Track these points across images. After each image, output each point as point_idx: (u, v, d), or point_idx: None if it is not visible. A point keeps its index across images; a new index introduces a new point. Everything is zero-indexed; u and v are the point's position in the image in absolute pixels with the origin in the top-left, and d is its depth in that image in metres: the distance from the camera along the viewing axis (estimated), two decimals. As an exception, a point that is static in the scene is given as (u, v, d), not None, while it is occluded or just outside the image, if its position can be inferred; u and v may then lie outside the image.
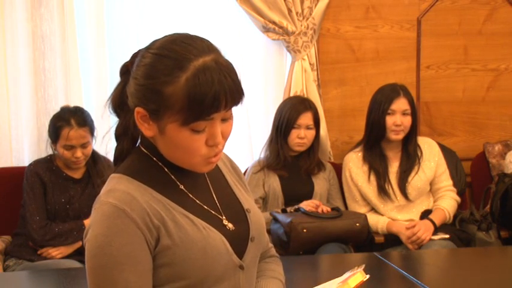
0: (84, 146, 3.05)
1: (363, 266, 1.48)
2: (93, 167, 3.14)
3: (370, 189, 3.28)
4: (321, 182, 3.40)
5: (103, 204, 1.27)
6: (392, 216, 3.27)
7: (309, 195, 3.33)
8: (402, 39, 3.89)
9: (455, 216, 3.29)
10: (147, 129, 1.31)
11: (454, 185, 3.40)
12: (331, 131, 3.81)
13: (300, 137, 3.32)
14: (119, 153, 1.39)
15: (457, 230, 3.20)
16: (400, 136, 3.24)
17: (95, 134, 3.10)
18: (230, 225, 1.38)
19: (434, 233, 3.13)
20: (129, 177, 1.32)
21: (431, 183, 3.33)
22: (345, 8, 3.82)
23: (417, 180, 3.27)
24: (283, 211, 3.18)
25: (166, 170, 1.35)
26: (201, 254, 1.29)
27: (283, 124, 3.33)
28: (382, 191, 3.25)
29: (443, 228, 3.19)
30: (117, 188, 1.29)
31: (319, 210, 3.13)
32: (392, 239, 3.19)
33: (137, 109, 1.29)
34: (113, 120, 1.43)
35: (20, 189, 3.12)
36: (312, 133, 3.35)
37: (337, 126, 3.88)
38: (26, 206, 3.04)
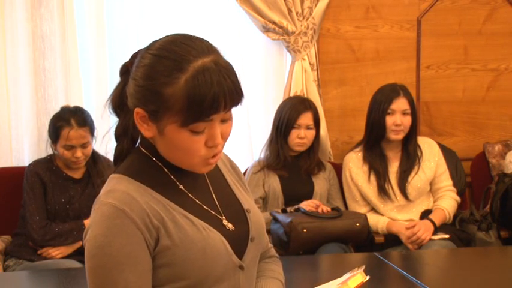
0: (84, 146, 3.05)
1: (363, 267, 1.48)
2: (93, 167, 3.14)
3: (370, 189, 3.28)
4: (321, 182, 3.40)
5: (103, 204, 1.27)
6: (392, 216, 3.27)
7: (309, 195, 3.33)
8: (402, 39, 3.89)
9: (455, 216, 3.29)
10: (147, 130, 1.31)
11: (454, 185, 3.40)
12: (331, 131, 3.81)
13: (300, 137, 3.32)
14: (119, 153, 1.40)
15: (457, 230, 3.20)
16: (400, 136, 3.24)
17: (95, 134, 3.10)
18: (230, 226, 1.38)
19: (434, 233, 3.13)
20: (129, 177, 1.32)
21: (431, 183, 3.33)
22: (345, 8, 3.82)
23: (417, 180, 3.27)
24: (283, 211, 3.18)
25: (166, 170, 1.35)
26: (200, 254, 1.29)
27: (283, 124, 3.33)
28: (382, 191, 3.25)
29: (443, 228, 3.19)
30: (116, 189, 1.29)
31: (319, 210, 3.13)
32: (392, 239, 3.19)
33: (136, 110, 1.29)
34: (112, 120, 1.43)
35: (20, 189, 3.12)
36: (312, 133, 3.35)
37: (337, 126, 3.88)
38: (26, 206, 3.04)
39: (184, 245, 1.28)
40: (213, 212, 1.38)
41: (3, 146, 3.50)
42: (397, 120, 3.21)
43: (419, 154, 3.31)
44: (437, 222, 3.17)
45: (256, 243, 1.43)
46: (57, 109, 3.18)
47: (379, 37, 3.87)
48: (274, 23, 3.63)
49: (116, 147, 1.41)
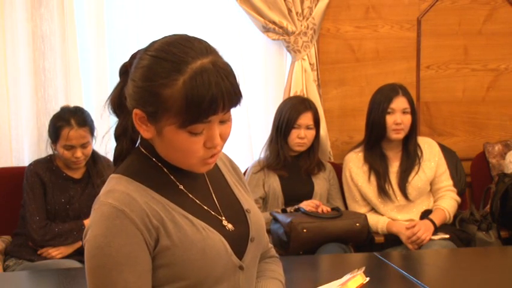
0: (84, 146, 3.05)
1: (363, 268, 1.48)
2: (93, 167, 3.14)
3: (370, 189, 3.28)
4: (321, 182, 3.40)
5: (102, 204, 1.27)
6: (392, 216, 3.27)
7: (309, 195, 3.33)
8: (402, 39, 3.89)
9: (455, 216, 3.29)
10: (145, 131, 1.31)
11: (454, 185, 3.40)
12: (331, 131, 3.81)
13: (300, 137, 3.32)
14: (119, 154, 1.40)
15: (457, 230, 3.20)
16: (401, 135, 3.24)
17: (95, 134, 3.10)
18: (230, 226, 1.38)
19: (434, 233, 3.13)
20: (129, 177, 1.32)
21: (431, 183, 3.33)
22: (345, 8, 3.82)
23: (417, 180, 3.27)
24: (283, 211, 3.18)
25: (165, 170, 1.35)
26: (200, 254, 1.29)
27: (283, 124, 3.33)
28: (382, 191, 3.25)
29: (443, 228, 3.19)
30: (116, 189, 1.29)
31: (319, 210, 3.13)
32: (392, 239, 3.19)
33: (135, 111, 1.29)
34: (112, 120, 1.43)
35: (20, 189, 3.12)
36: (312, 133, 3.35)
37: (337, 126, 3.88)
38: (26, 206, 3.04)
39: (183, 245, 1.28)
40: (212, 213, 1.38)
41: (3, 146, 3.50)
42: (398, 119, 3.21)
43: (420, 154, 3.31)
44: (438, 222, 3.17)
45: (256, 243, 1.43)
46: (57, 109, 3.18)
47: (379, 37, 3.87)
48: (274, 23, 3.63)
49: (116, 148, 1.41)
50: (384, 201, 3.26)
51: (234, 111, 1.31)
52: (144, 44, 1.33)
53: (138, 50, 1.33)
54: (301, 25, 3.66)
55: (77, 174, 3.14)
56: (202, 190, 1.40)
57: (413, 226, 3.12)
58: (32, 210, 3.02)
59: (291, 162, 3.37)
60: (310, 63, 3.71)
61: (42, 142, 3.38)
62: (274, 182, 3.33)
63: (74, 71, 3.51)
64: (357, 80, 3.88)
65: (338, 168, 3.50)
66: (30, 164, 3.15)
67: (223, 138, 1.31)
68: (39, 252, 3.03)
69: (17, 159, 3.52)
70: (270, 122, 3.50)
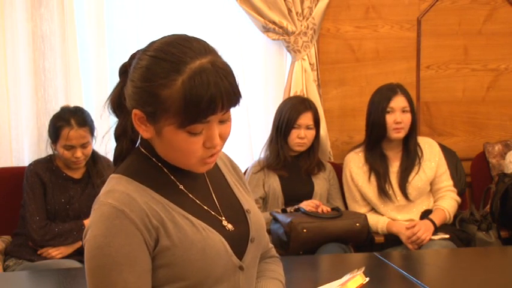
0: (84, 146, 3.05)
1: (363, 268, 1.47)
2: (93, 167, 3.14)
3: (370, 189, 3.28)
4: (321, 182, 3.40)
5: (102, 204, 1.27)
6: (392, 216, 3.27)
7: (309, 195, 3.33)
8: (402, 39, 3.89)
9: (455, 216, 3.29)
10: (145, 131, 1.31)
11: (455, 185, 3.40)
12: (331, 131, 3.81)
13: (300, 137, 3.32)
14: (119, 154, 1.40)
15: (457, 230, 3.20)
16: (402, 134, 3.24)
17: (95, 134, 3.10)
18: (230, 226, 1.38)
19: (434, 233, 3.13)
20: (129, 177, 1.32)
21: (431, 184, 3.33)
22: (345, 8, 3.82)
23: (417, 180, 3.27)
24: (283, 211, 3.18)
25: (165, 170, 1.35)
26: (200, 255, 1.29)
27: (283, 124, 3.33)
28: (383, 192, 3.24)
29: (443, 228, 3.19)
30: (116, 189, 1.29)
31: (319, 210, 3.13)
32: (392, 239, 3.19)
33: (134, 111, 1.29)
34: (112, 120, 1.43)
35: (20, 189, 3.12)
36: (312, 133, 3.35)
37: (337, 126, 3.88)
38: (26, 206, 3.04)
39: (183, 246, 1.28)
40: (212, 213, 1.38)
41: (3, 146, 3.50)
42: (397, 118, 3.21)
43: (420, 154, 3.31)
44: (438, 222, 3.17)
45: (256, 243, 1.43)
46: (57, 109, 3.18)
47: (379, 37, 3.87)
48: (274, 23, 3.63)
49: (116, 148, 1.41)
50: (384, 202, 3.26)
51: (234, 111, 1.31)
52: (144, 44, 1.33)
53: (137, 50, 1.33)
54: (301, 25, 3.66)
55: (77, 174, 3.14)
56: (203, 190, 1.40)
57: (413, 226, 3.12)
58: (32, 210, 3.02)
59: (291, 162, 3.37)
60: (310, 63, 3.71)
61: (42, 142, 3.38)
62: (274, 182, 3.33)
63: (74, 71, 3.51)
64: (357, 80, 3.88)
65: (338, 168, 3.50)
66: (30, 164, 3.15)
67: (223, 138, 1.31)
68: (39, 252, 3.03)
69: (17, 159, 3.52)
70: (270, 122, 3.50)
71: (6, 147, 3.50)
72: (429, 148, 3.35)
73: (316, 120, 3.37)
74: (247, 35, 3.74)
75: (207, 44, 1.29)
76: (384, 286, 2.22)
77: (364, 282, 1.42)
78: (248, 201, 1.48)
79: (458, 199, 3.36)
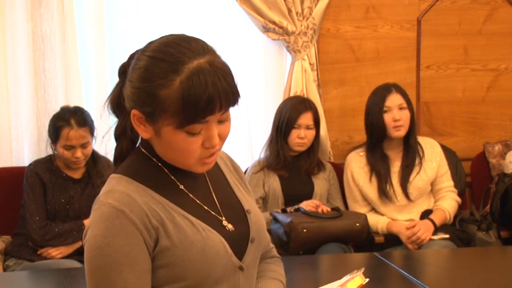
0: (84, 146, 3.05)
1: (363, 269, 1.47)
2: (93, 167, 3.14)
3: (371, 189, 3.28)
4: (321, 182, 3.40)
5: (102, 205, 1.27)
6: (392, 216, 3.26)
7: (309, 195, 3.33)
8: (402, 39, 3.89)
9: (455, 216, 3.29)
10: (144, 131, 1.31)
11: (455, 185, 3.40)
12: (331, 131, 3.81)
13: (300, 137, 3.32)
14: (119, 154, 1.40)
15: (457, 230, 3.20)
16: (402, 132, 3.23)
17: (95, 134, 3.10)
18: (230, 226, 1.38)
19: (434, 233, 3.13)
20: (129, 177, 1.32)
21: (432, 184, 3.33)
22: (345, 8, 3.82)
23: (418, 180, 3.27)
24: (283, 211, 3.18)
25: (165, 170, 1.35)
26: (200, 255, 1.29)
27: (283, 124, 3.33)
28: (383, 192, 3.24)
29: (443, 228, 3.19)
30: (116, 189, 1.29)
31: (319, 210, 3.13)
32: (392, 239, 3.19)
33: (133, 111, 1.29)
34: (112, 120, 1.42)
35: (20, 189, 3.12)
36: (312, 133, 3.35)
37: (337, 126, 3.88)
38: (26, 206, 3.04)
39: (183, 246, 1.28)
40: (213, 213, 1.37)
41: (3, 146, 3.50)
42: (395, 115, 3.21)
43: (421, 154, 3.31)
44: (438, 222, 3.17)
45: (256, 244, 1.43)
46: (57, 109, 3.18)
47: (379, 37, 3.87)
48: (274, 23, 3.63)
49: (116, 148, 1.41)
50: (385, 202, 3.26)
51: (234, 111, 1.30)
52: (144, 44, 1.33)
53: (136, 51, 1.33)
54: (301, 25, 3.66)
55: (77, 174, 3.14)
56: (203, 190, 1.40)
57: (414, 226, 3.12)
58: (32, 210, 3.02)
59: (291, 162, 3.37)
60: (310, 63, 3.71)
61: (42, 142, 3.38)
62: (274, 182, 3.33)
63: (74, 71, 3.51)
64: (357, 80, 3.87)
65: (338, 168, 3.50)
66: (30, 164, 3.15)
67: (222, 138, 1.31)
68: (39, 252, 3.03)
69: (17, 159, 3.52)
70: (270, 122, 3.50)
71: (6, 147, 3.50)
72: (430, 148, 3.35)
73: (316, 120, 3.37)
74: (247, 35, 3.74)
75: (206, 44, 1.29)
76: (383, 286, 2.22)
77: (364, 283, 1.42)
78: (249, 202, 1.48)
79: (459, 200, 3.36)
